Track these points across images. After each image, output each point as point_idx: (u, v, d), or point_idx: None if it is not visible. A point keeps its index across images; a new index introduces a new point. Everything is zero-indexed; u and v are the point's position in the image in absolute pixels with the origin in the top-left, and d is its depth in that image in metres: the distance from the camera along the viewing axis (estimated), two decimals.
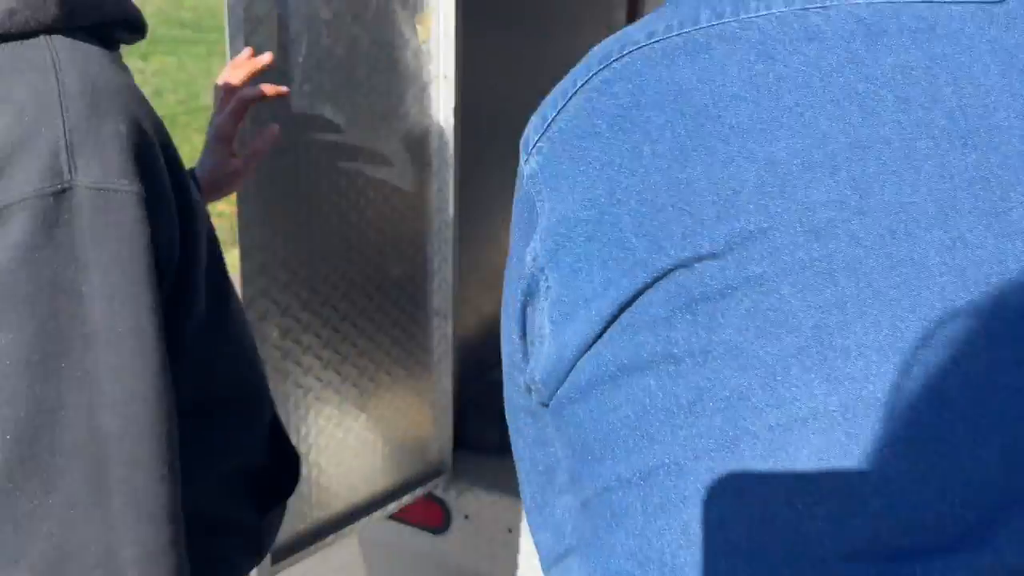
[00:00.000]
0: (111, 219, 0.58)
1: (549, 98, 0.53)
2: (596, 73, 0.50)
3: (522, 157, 0.53)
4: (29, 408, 0.55)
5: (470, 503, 1.91)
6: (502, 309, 0.57)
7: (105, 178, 0.58)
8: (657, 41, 0.48)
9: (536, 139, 0.52)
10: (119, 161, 0.59)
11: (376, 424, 1.79)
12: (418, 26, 1.61)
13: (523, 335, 0.54)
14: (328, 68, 1.56)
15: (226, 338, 0.83)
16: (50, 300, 0.56)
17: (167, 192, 0.64)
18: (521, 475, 0.62)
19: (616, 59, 0.49)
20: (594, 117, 0.49)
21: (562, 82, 0.53)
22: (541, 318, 0.50)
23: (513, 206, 0.55)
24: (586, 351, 0.48)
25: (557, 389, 0.50)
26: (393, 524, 1.97)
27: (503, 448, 2.16)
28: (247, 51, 1.30)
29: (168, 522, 0.59)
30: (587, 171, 0.48)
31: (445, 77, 1.65)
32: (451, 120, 1.67)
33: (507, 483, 1.91)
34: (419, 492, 1.87)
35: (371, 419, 1.78)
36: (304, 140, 1.55)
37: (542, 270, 0.50)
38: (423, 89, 1.65)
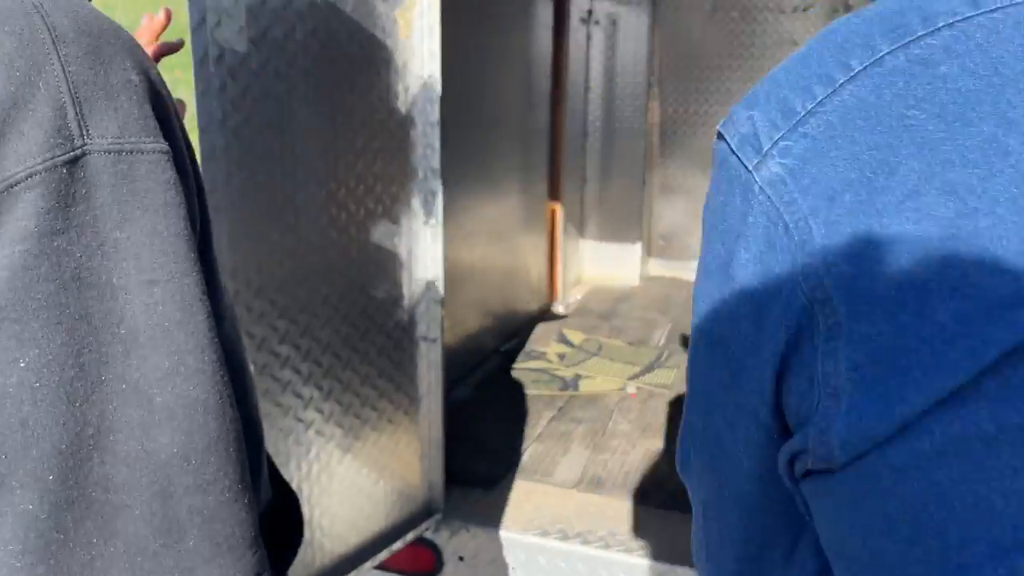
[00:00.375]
0: (139, 187, 0.49)
1: (787, 85, 0.43)
2: (890, 53, 0.40)
3: (744, 158, 0.43)
4: (71, 437, 0.46)
5: (465, 543, 1.74)
6: (707, 344, 0.47)
7: (124, 136, 0.49)
8: (997, 10, 0.39)
9: (777, 136, 0.42)
10: (137, 114, 0.50)
11: (362, 465, 1.61)
12: (399, 20, 1.45)
13: (777, 383, 0.43)
14: (303, 65, 1.38)
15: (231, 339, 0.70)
16: (78, 298, 0.46)
17: (184, 152, 0.54)
18: (713, 552, 0.53)
19: (924, 35, 0.40)
20: (903, 106, 0.39)
21: (809, 65, 0.42)
22: (830, 364, 0.40)
23: (724, 217, 0.44)
24: (934, 408, 0.37)
25: (867, 453, 0.39)
26: (378, 574, 1.78)
27: (490, 480, 2.02)
28: (147, 17, 1.11)
29: (251, 550, 0.52)
30: (898, 175, 0.38)
31: (429, 76, 1.49)
32: (437, 124, 1.52)
33: (504, 518, 1.75)
34: (410, 537, 1.69)
35: (357, 460, 1.60)
36: (277, 146, 1.36)
37: (825, 302, 0.39)
38: (406, 89, 1.49)
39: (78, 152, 0.47)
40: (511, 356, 2.78)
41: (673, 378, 2.56)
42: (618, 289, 3.78)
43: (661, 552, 1.64)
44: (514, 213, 3.09)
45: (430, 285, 1.59)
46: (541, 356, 2.75)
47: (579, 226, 4.01)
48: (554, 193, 3.57)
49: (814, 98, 0.41)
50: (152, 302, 0.49)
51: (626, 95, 3.86)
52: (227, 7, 1.28)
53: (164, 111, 0.53)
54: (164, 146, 0.50)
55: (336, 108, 1.42)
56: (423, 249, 1.57)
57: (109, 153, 0.48)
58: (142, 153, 0.49)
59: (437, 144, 1.51)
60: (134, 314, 0.48)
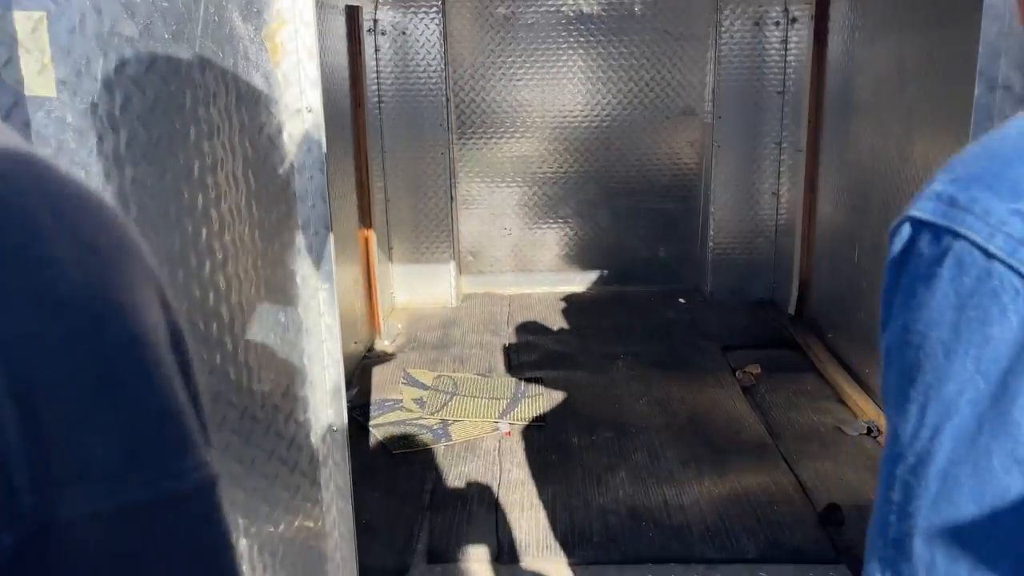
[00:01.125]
0: None
1: None
2: None
3: (997, 239, 0.35)
4: None
5: None
6: (975, 501, 0.39)
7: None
8: None
9: None
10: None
11: None
12: (267, 43, 1.14)
13: None
14: (140, 110, 1.03)
15: None
16: None
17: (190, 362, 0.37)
18: None
19: None
20: None
21: None
22: None
23: (981, 342, 0.37)
24: None
25: None
26: None
27: (399, 570, 1.73)
28: None
29: None
30: None
31: (309, 110, 1.19)
32: (322, 166, 1.22)
33: None
34: None
35: None
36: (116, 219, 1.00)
37: None
38: (279, 130, 1.18)
39: None
40: (362, 411, 2.47)
41: (542, 408, 2.41)
42: (437, 313, 3.58)
43: None
44: None
45: (329, 365, 1.30)
46: (397, 406, 2.47)
47: (387, 251, 3.75)
48: (365, 219, 3.29)
49: None
50: None
51: (423, 107, 3.65)
52: (22, 37, 0.91)
53: (183, 354, 0.34)
54: (208, 473, 0.32)
55: (192, 164, 1.09)
56: (314, 319, 1.27)
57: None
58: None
59: (324, 190, 1.22)
60: None
